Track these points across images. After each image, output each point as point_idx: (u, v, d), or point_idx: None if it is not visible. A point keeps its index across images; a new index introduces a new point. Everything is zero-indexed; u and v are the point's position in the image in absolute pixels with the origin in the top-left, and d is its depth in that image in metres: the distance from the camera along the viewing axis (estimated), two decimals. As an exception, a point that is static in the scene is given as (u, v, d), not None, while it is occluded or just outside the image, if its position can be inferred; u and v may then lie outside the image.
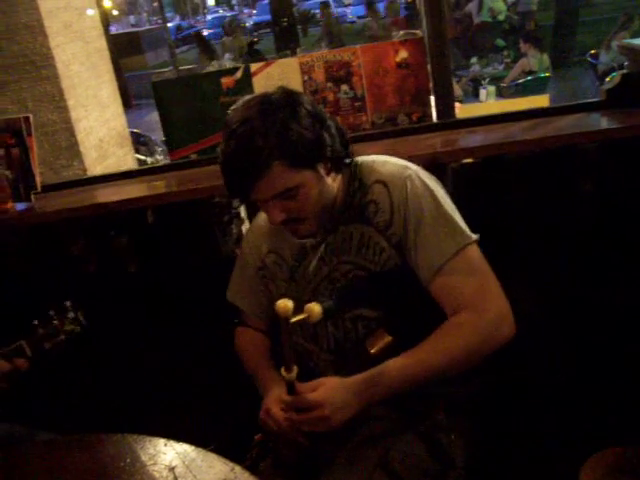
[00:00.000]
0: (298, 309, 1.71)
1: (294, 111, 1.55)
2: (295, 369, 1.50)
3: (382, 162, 1.73)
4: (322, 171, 1.61)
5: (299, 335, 1.80)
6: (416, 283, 1.64)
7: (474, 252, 1.62)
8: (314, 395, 1.52)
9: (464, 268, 1.59)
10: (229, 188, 1.63)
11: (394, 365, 1.55)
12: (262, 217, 1.89)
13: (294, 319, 1.44)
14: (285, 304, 1.41)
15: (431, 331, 1.59)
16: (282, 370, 1.51)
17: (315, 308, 1.47)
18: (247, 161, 1.53)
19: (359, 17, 26.74)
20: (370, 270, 1.66)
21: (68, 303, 1.88)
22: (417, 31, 2.64)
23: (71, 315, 1.87)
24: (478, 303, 1.57)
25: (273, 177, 1.53)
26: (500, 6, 14.16)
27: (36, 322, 1.84)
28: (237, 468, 1.41)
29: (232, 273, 2.00)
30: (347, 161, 1.70)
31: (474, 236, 1.63)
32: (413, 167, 1.70)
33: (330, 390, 1.53)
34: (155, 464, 1.45)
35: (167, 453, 1.48)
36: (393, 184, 1.65)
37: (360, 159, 1.76)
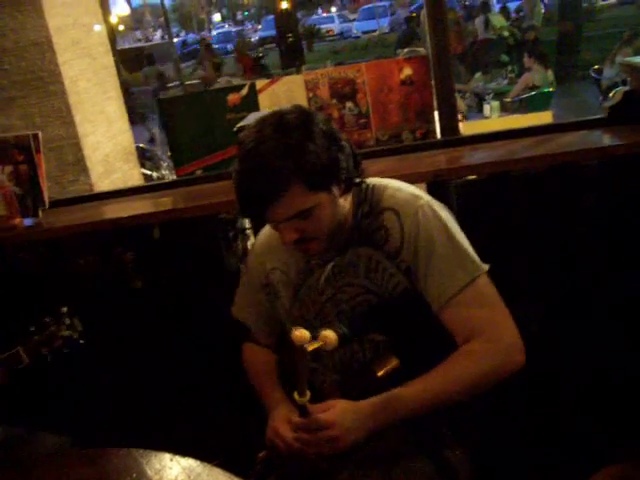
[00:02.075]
0: (305, 328, 1.74)
1: (310, 131, 1.52)
2: (308, 394, 1.51)
3: (395, 189, 1.70)
4: (336, 192, 1.59)
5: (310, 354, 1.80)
6: (424, 308, 1.63)
7: (485, 283, 1.62)
8: (325, 415, 1.52)
9: (475, 299, 1.59)
10: (243, 209, 1.62)
11: (407, 392, 1.55)
12: (266, 233, 1.88)
13: (310, 347, 1.44)
14: (302, 333, 1.42)
15: (439, 356, 1.59)
16: (295, 394, 1.51)
17: (330, 335, 1.47)
18: (264, 183, 1.50)
19: (364, 32, 26.93)
20: (378, 295, 1.66)
21: (64, 309, 1.89)
22: (421, 49, 2.66)
23: (67, 321, 1.88)
24: (490, 332, 1.57)
25: (290, 199, 1.51)
26: (500, 21, 14.27)
27: (32, 328, 1.86)
28: (242, 483, 1.42)
29: (237, 289, 1.99)
30: (357, 181, 1.67)
31: (485, 266, 1.63)
32: (425, 197, 1.68)
33: (341, 412, 1.53)
34: (161, 479, 1.46)
35: (173, 468, 1.49)
36: (405, 213, 1.63)
37: (372, 182, 1.73)
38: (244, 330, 1.98)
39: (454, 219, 1.70)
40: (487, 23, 13.95)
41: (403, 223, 1.63)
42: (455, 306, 1.59)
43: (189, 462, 1.50)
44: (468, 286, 1.59)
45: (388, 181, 1.75)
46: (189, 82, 15.27)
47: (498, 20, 14.34)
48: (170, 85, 14.89)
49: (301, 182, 1.50)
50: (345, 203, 1.65)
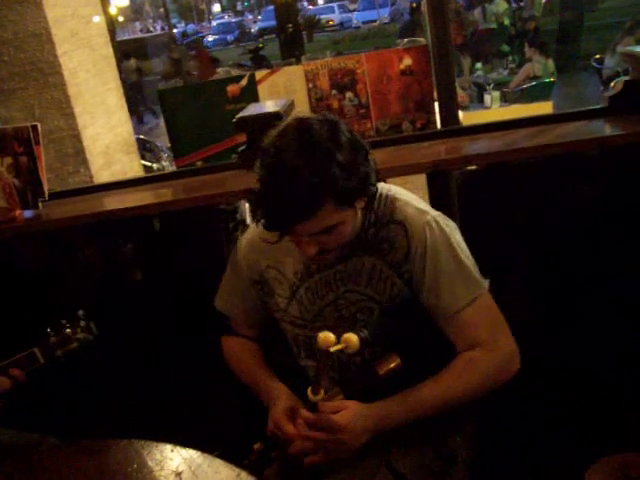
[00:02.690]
0: (302, 327, 1.73)
1: (338, 143, 1.48)
2: (322, 393, 1.53)
3: (403, 202, 1.69)
4: (358, 207, 1.58)
5: (302, 350, 1.82)
6: (424, 316, 1.66)
7: (485, 299, 1.66)
8: (337, 418, 1.53)
9: (476, 315, 1.63)
10: (270, 223, 1.56)
11: (413, 397, 1.59)
12: (257, 231, 1.82)
13: (333, 349, 1.45)
14: (326, 336, 1.44)
15: (438, 358, 1.63)
16: (309, 391, 1.54)
17: (353, 339, 1.48)
18: (298, 201, 1.45)
19: (364, 22, 26.85)
20: (380, 302, 1.67)
21: (80, 312, 1.90)
22: (421, 39, 2.65)
23: (83, 324, 1.89)
24: (490, 343, 1.62)
25: (321, 216, 1.48)
26: (502, 7, 14.21)
27: (48, 330, 1.86)
28: (243, 474, 1.43)
29: (221, 282, 1.98)
30: (373, 190, 1.63)
31: (486, 283, 1.68)
32: (432, 212, 1.69)
33: (353, 415, 1.55)
34: (162, 469, 1.46)
35: (174, 459, 1.49)
36: (412, 228, 1.64)
37: (380, 191, 1.71)
38: (225, 322, 1.99)
39: (459, 233, 1.72)
40: (485, 12, 13.91)
41: (410, 238, 1.64)
42: (457, 321, 1.63)
43: (190, 453, 1.51)
44: (471, 303, 1.63)
45: (396, 191, 1.74)
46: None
47: (499, 6, 14.29)
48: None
49: (332, 199, 1.47)
50: (360, 214, 1.64)
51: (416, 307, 1.67)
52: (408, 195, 1.74)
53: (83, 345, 1.90)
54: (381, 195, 1.71)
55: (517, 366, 1.64)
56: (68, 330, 1.87)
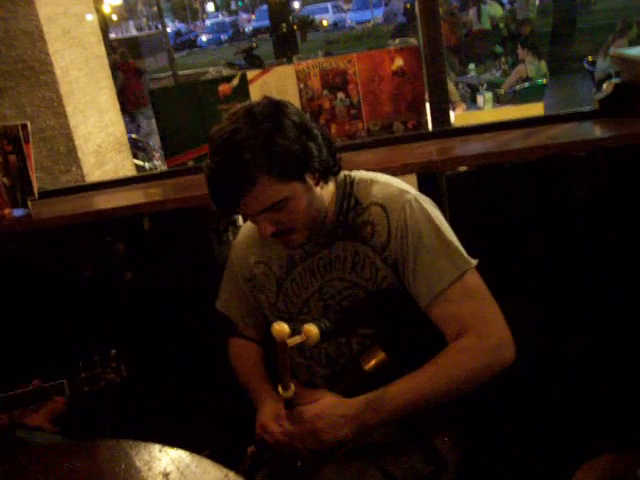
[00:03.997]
0: (289, 322, 1.73)
1: (279, 123, 1.51)
2: (292, 387, 1.50)
3: (382, 184, 1.69)
4: (310, 182, 1.57)
5: (292, 349, 1.80)
6: (411, 303, 1.63)
7: (473, 277, 1.60)
8: (309, 407, 1.53)
9: (464, 294, 1.58)
10: (216, 203, 1.60)
11: (395, 390, 1.54)
12: (248, 227, 1.87)
13: (291, 341, 1.42)
14: (281, 327, 1.40)
15: (427, 350, 1.59)
16: (279, 388, 1.51)
17: (313, 330, 1.45)
18: (233, 176, 1.49)
19: (358, 23, 26.86)
20: (366, 289, 1.65)
21: (113, 351, 1.88)
22: (413, 39, 2.65)
23: (114, 364, 1.87)
24: (480, 328, 1.56)
25: (259, 191, 1.50)
26: (498, 11, 14.27)
27: (80, 364, 1.85)
28: (231, 474, 1.42)
29: (221, 283, 1.98)
30: (335, 170, 1.66)
31: (473, 261, 1.61)
32: (412, 191, 1.67)
33: (327, 405, 1.54)
34: (150, 470, 1.46)
35: (162, 459, 1.49)
36: (392, 208, 1.62)
37: (356, 176, 1.72)
38: (229, 324, 1.98)
39: (441, 214, 1.69)
40: (480, 14, 13.95)
41: (390, 218, 1.62)
42: (443, 302, 1.58)
43: (178, 453, 1.50)
44: (456, 281, 1.58)
45: (375, 175, 1.73)
46: (182, 72, 15.26)
47: (495, 10, 14.35)
48: (162, 75, 14.85)
49: (271, 173, 1.49)
50: (323, 193, 1.64)
51: (403, 296, 1.63)
52: (390, 178, 1.73)
53: (109, 385, 1.89)
54: (360, 179, 1.71)
55: (510, 356, 1.56)
56: (99, 369, 1.86)
